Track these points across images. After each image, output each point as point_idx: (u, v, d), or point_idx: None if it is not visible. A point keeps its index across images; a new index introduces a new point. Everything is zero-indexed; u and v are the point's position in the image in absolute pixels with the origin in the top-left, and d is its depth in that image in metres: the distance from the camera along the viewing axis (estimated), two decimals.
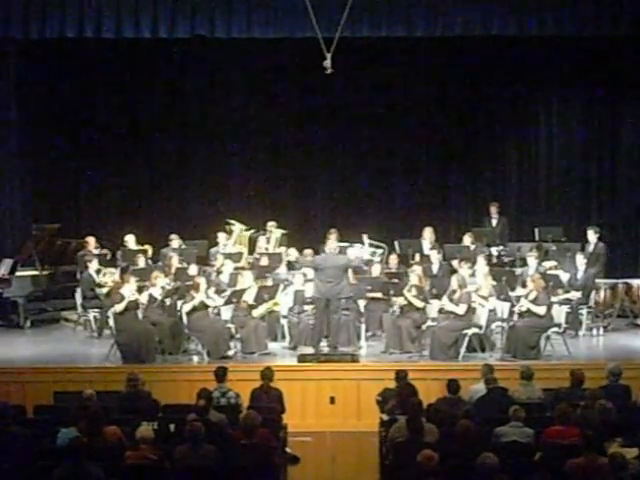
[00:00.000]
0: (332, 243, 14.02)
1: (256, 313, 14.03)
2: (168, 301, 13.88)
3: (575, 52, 17.54)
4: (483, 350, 13.45)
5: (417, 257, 15.90)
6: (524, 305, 13.24)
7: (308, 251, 15.14)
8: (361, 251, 15.83)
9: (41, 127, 18.17)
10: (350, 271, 14.43)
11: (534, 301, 13.20)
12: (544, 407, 10.18)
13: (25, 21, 14.84)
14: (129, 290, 13.41)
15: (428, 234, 16.37)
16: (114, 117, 18.74)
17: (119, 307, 13.24)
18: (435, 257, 15.60)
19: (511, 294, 14.00)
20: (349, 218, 18.03)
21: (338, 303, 13.41)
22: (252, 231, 16.88)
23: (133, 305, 13.39)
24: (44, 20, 14.81)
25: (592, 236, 15.63)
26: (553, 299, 13.76)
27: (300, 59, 16.72)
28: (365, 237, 16.17)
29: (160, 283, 13.92)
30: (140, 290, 13.77)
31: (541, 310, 13.14)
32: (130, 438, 8.82)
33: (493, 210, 17.27)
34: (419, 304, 13.76)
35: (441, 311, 13.59)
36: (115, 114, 18.72)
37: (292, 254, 15.79)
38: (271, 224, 16.82)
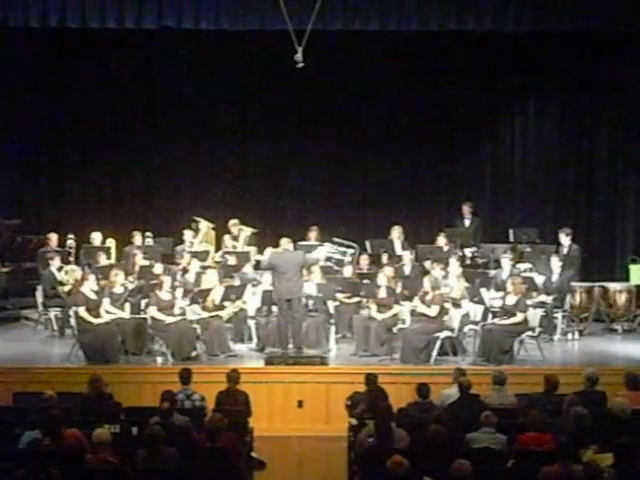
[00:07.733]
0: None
1: (224, 315, 13.75)
2: (131, 300, 13.57)
3: (551, 52, 17.35)
4: (455, 354, 13.25)
5: (385, 258, 15.57)
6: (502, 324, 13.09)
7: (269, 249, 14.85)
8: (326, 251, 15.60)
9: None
10: (319, 271, 14.18)
11: (515, 306, 12.98)
12: (517, 413, 9.98)
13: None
14: (89, 288, 13.15)
15: (396, 233, 16.11)
16: (75, 111, 18.39)
17: (81, 310, 12.97)
18: (407, 258, 15.37)
19: (484, 295, 13.76)
20: (320, 217, 17.72)
21: (299, 302, 13.11)
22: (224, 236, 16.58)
23: (94, 305, 13.09)
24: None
25: (564, 238, 15.47)
26: (527, 302, 13.53)
27: (270, 52, 16.50)
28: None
29: (120, 281, 13.71)
30: (102, 288, 13.52)
31: (520, 317, 12.93)
32: (91, 441, 8.57)
33: (466, 210, 17.06)
34: (379, 317, 13.46)
35: (413, 313, 13.37)
36: (77, 107, 18.36)
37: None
38: (233, 222, 16.51)
